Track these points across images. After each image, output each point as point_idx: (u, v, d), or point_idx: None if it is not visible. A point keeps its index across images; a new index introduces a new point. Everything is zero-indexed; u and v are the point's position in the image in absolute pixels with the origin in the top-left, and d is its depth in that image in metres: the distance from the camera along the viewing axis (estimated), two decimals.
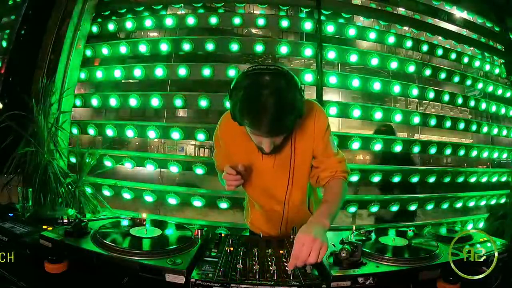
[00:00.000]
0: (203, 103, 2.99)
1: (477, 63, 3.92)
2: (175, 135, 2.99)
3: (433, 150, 3.32)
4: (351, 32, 3.32)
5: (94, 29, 3.38)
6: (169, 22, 3.32)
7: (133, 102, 3.10)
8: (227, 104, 1.14)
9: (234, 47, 3.12)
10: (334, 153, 1.25)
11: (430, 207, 3.35)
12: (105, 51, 3.31)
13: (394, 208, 3.13)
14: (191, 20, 3.27)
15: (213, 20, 3.25)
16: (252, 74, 1.04)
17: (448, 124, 3.41)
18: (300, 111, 1.07)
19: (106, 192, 3.05)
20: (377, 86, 3.14)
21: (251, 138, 1.14)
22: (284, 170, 1.26)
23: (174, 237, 1.09)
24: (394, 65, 3.31)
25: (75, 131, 3.20)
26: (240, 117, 1.05)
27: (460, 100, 3.59)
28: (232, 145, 1.28)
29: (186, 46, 3.17)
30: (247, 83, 1.03)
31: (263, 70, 1.03)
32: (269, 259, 0.99)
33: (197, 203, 2.92)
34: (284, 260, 0.99)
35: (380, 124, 3.31)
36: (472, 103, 3.69)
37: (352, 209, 3.04)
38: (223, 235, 1.17)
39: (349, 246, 0.93)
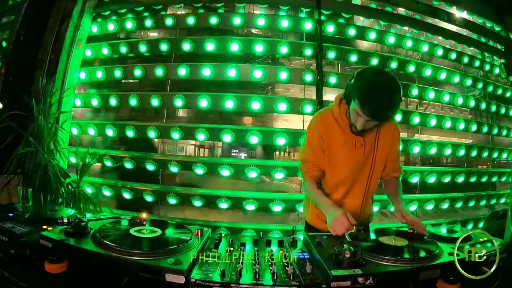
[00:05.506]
0: (203, 103, 2.99)
1: (477, 63, 3.92)
2: (175, 135, 2.99)
3: (433, 150, 3.32)
4: (351, 32, 3.32)
5: (94, 29, 3.38)
6: (169, 22, 3.31)
7: (133, 102, 3.10)
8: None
9: (234, 47, 3.11)
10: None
11: (430, 207, 3.35)
12: (105, 51, 3.31)
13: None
14: (191, 20, 3.27)
15: (213, 20, 3.24)
16: (377, 69, 1.35)
17: (448, 124, 3.41)
18: (396, 114, 1.37)
19: (106, 192, 3.05)
20: None
21: (350, 116, 1.35)
22: (368, 162, 1.48)
23: (174, 237, 1.09)
24: (394, 65, 3.31)
25: (75, 131, 3.20)
26: (356, 94, 1.27)
27: (460, 100, 3.59)
28: (331, 136, 1.46)
29: (186, 46, 3.17)
30: (375, 73, 1.29)
31: (382, 71, 1.32)
32: (268, 259, 0.99)
33: (197, 203, 2.92)
34: (285, 260, 0.99)
35: None
36: (472, 103, 3.69)
37: None
38: (223, 235, 1.17)
39: (350, 246, 0.93)
